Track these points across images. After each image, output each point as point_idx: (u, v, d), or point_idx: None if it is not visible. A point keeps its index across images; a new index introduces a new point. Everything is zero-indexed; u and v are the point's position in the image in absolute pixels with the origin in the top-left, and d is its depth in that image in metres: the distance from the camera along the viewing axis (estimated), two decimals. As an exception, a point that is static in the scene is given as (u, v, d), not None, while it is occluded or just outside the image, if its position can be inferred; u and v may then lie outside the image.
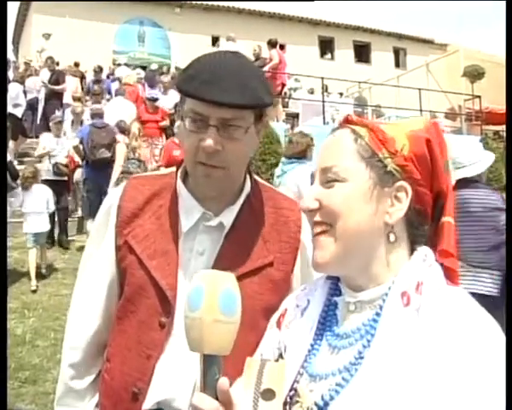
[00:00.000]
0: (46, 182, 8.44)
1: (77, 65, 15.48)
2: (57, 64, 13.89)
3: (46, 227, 7.74)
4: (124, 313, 1.47)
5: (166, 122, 11.31)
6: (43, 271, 7.74)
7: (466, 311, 0.95)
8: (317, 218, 1.06)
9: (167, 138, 10.70)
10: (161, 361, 1.39)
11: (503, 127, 18.03)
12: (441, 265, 1.06)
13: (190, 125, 1.34)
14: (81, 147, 8.76)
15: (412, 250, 1.07)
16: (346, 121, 1.12)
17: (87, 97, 13.40)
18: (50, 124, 9.42)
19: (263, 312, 1.34)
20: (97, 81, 13.49)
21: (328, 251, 1.04)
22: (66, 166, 9.02)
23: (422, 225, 1.09)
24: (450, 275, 1.07)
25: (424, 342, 0.92)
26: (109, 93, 13.64)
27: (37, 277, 7.41)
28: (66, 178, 9.23)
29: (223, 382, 0.94)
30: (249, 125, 1.35)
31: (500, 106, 18.80)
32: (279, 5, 23.82)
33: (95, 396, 1.55)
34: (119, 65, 17.18)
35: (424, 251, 1.06)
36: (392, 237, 1.04)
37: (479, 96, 17.42)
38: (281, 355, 1.15)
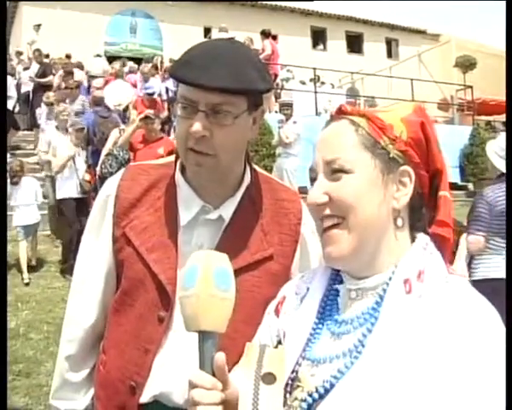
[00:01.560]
0: (72, 200, 7.86)
1: (68, 57, 15.34)
2: (46, 56, 13.73)
3: (36, 219, 7.71)
4: (121, 305, 1.45)
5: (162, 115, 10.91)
6: (34, 263, 7.72)
7: (467, 300, 0.96)
8: (327, 212, 1.05)
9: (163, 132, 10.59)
10: (159, 356, 1.38)
11: (495, 117, 18.10)
12: (436, 235, 1.10)
13: (181, 111, 1.33)
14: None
15: (413, 237, 1.09)
16: (341, 112, 1.13)
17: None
18: (70, 130, 8.35)
19: (262, 305, 1.31)
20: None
21: (344, 244, 1.04)
22: (89, 182, 8.20)
23: (422, 208, 1.11)
24: (444, 244, 1.10)
25: (426, 329, 0.93)
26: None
27: (30, 269, 7.40)
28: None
29: (219, 357, 0.95)
30: (240, 112, 1.32)
31: (492, 96, 18.87)
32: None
33: (91, 389, 1.54)
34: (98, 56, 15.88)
35: (425, 240, 1.08)
36: (399, 222, 1.06)
37: (471, 87, 17.42)
38: (279, 342, 1.16)
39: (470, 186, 13.51)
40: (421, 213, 1.11)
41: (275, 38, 22.25)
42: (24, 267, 7.28)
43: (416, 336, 0.93)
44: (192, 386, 0.95)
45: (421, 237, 1.09)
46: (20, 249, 7.40)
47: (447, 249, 1.10)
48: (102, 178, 7.14)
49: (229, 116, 1.30)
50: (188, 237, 1.42)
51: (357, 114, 1.10)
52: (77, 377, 1.54)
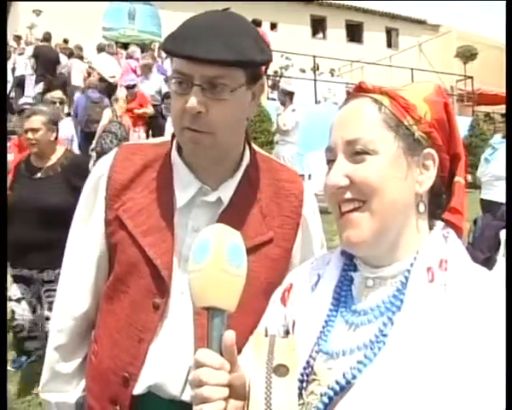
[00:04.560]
0: None
1: (66, 42, 15.23)
2: (46, 40, 13.46)
3: None
4: (114, 292, 1.39)
5: (147, 109, 10.21)
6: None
7: (492, 290, 0.93)
8: (348, 195, 0.99)
9: (149, 129, 10.25)
10: (154, 345, 1.32)
11: (494, 109, 18.12)
12: (447, 221, 1.06)
13: (175, 87, 1.25)
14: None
15: (431, 225, 1.05)
16: (361, 89, 1.07)
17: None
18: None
19: (261, 292, 1.27)
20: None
21: (366, 228, 0.98)
22: None
23: (442, 194, 1.07)
24: (454, 232, 1.06)
25: (452, 319, 0.90)
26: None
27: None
28: None
29: (228, 336, 0.89)
30: (237, 86, 1.24)
31: (491, 87, 18.88)
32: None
33: (82, 380, 1.48)
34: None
35: (445, 228, 1.04)
36: (421, 207, 1.02)
37: (471, 77, 17.42)
38: (287, 332, 1.11)
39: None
40: (442, 199, 1.07)
41: (274, 25, 22.22)
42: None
43: (441, 327, 0.90)
44: (198, 365, 0.89)
45: (441, 225, 1.05)
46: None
47: (458, 236, 1.06)
48: (101, 154, 7.06)
49: (226, 90, 1.23)
50: (184, 219, 1.35)
51: (378, 91, 1.05)
52: (67, 368, 1.47)
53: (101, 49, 13.21)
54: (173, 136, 1.42)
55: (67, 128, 8.39)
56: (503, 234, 4.18)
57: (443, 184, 1.06)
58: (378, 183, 0.97)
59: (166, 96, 10.05)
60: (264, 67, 1.43)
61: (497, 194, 5.78)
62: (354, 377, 0.93)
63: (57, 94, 8.61)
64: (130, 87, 10.44)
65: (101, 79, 11.84)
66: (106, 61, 12.45)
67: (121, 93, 9.94)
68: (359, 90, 1.08)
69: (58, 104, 8.19)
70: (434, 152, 1.02)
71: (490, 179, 6.42)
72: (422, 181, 1.01)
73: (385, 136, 0.99)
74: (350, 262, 1.09)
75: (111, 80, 11.89)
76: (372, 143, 0.98)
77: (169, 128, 8.70)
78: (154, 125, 10.35)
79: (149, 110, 10.23)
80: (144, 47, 15.48)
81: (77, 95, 11.21)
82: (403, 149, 0.99)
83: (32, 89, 12.42)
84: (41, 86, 11.86)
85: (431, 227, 1.05)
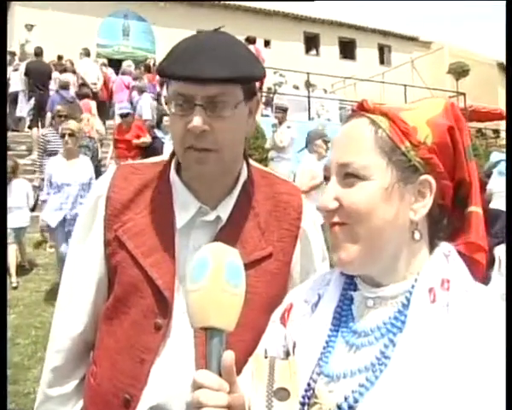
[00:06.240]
0: None
1: (60, 58, 15.26)
2: (37, 55, 13.40)
3: (26, 222, 7.60)
4: (114, 313, 1.37)
5: (144, 139, 9.21)
6: (27, 266, 7.64)
7: (495, 310, 0.91)
8: (336, 219, 0.98)
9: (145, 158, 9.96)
10: (156, 365, 1.30)
11: (486, 125, 18.25)
12: (467, 256, 1.02)
13: (175, 109, 1.27)
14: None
15: (432, 246, 1.03)
16: (362, 108, 1.04)
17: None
18: None
19: (261, 308, 1.27)
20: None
21: (352, 252, 0.97)
22: None
23: (442, 220, 1.03)
24: (476, 268, 1.02)
25: (455, 340, 0.88)
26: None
27: (19, 272, 7.29)
28: None
29: (227, 356, 0.89)
30: (238, 102, 1.27)
31: (483, 104, 19.02)
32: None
33: (79, 401, 1.46)
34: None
35: (446, 247, 1.02)
36: (417, 235, 0.99)
37: (463, 94, 17.54)
38: (287, 353, 1.10)
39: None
40: (442, 224, 1.04)
41: (268, 42, 22.35)
42: (13, 271, 7.16)
43: (444, 349, 0.88)
44: (197, 386, 0.89)
45: (443, 245, 1.03)
46: (9, 252, 7.27)
47: (479, 274, 1.03)
48: None
49: (228, 107, 1.25)
50: (185, 239, 1.35)
51: (379, 112, 1.01)
52: (64, 389, 1.45)
53: (86, 54, 13.67)
54: (171, 155, 1.43)
55: (84, 171, 6.48)
56: (497, 250, 4.18)
57: (443, 211, 1.02)
58: (365, 209, 0.95)
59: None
60: (258, 84, 1.44)
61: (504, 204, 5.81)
62: (356, 400, 0.91)
63: (68, 124, 6.60)
64: (123, 115, 9.39)
65: (83, 85, 12.08)
66: (89, 66, 12.87)
67: (85, 114, 9.55)
68: (361, 108, 1.05)
69: (67, 137, 6.35)
70: (432, 179, 0.98)
71: (499, 192, 6.38)
72: (417, 209, 0.98)
73: (378, 162, 0.97)
74: (350, 281, 1.08)
75: (92, 87, 12.14)
76: (363, 169, 0.96)
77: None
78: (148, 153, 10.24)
79: (147, 139, 9.26)
80: (138, 64, 15.48)
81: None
82: (396, 175, 0.97)
83: (25, 105, 12.46)
84: (32, 102, 11.87)
85: (433, 248, 1.02)
